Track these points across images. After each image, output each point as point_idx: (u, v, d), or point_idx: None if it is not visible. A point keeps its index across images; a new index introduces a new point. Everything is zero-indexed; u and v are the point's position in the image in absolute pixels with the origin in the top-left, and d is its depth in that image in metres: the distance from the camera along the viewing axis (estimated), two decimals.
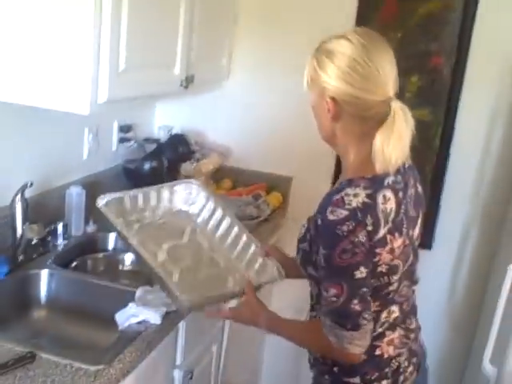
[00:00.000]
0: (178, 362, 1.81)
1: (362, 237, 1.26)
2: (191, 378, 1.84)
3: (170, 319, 1.65)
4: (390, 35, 2.49)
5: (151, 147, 2.50)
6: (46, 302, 1.85)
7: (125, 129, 2.50)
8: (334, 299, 1.29)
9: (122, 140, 2.51)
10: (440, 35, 2.45)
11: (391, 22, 2.49)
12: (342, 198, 1.28)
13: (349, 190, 1.29)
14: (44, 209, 2.05)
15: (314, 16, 2.57)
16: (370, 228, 1.27)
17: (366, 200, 1.28)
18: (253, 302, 1.53)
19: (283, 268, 1.66)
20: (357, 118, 1.35)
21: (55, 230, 2.03)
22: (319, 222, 1.29)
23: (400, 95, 2.46)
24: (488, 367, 1.84)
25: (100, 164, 2.44)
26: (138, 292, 1.70)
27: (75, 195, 2.11)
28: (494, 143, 2.46)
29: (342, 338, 1.31)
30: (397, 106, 1.31)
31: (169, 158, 2.43)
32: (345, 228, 1.25)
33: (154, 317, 1.59)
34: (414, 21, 2.48)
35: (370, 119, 1.33)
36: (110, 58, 1.72)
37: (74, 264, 2.01)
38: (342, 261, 1.26)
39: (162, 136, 2.65)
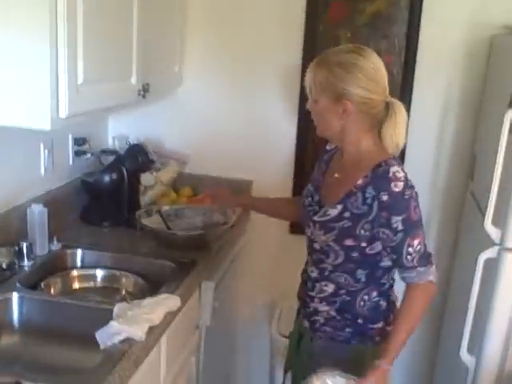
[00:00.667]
0: (162, 376, 1.79)
1: (415, 195, 1.64)
2: None
3: (153, 334, 1.63)
4: (339, 34, 2.54)
5: (108, 159, 2.45)
6: (18, 327, 1.79)
7: (80, 141, 2.44)
8: (419, 247, 1.64)
9: (77, 153, 2.45)
10: (388, 33, 2.51)
11: (340, 21, 2.53)
12: (394, 174, 1.61)
13: (392, 168, 1.61)
14: (6, 229, 1.99)
15: (262, 18, 2.59)
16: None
17: (404, 171, 1.64)
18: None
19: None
20: (366, 114, 1.65)
21: (20, 250, 1.97)
22: (385, 197, 1.60)
23: None
24: (465, 356, 1.88)
25: (58, 179, 2.38)
26: (116, 309, 1.67)
27: (37, 213, 2.04)
28: (448, 135, 2.54)
29: (431, 274, 1.66)
30: (396, 102, 1.66)
31: (129, 169, 2.38)
32: (408, 192, 1.61)
33: (138, 333, 1.56)
34: (362, 20, 2.53)
35: (375, 115, 1.66)
36: (68, 72, 1.69)
37: (43, 284, 1.94)
38: (416, 215, 1.62)
39: (118, 146, 2.61)
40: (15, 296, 1.79)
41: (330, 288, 1.76)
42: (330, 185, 1.77)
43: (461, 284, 2.10)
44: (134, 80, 2.12)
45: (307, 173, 2.59)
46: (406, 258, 1.64)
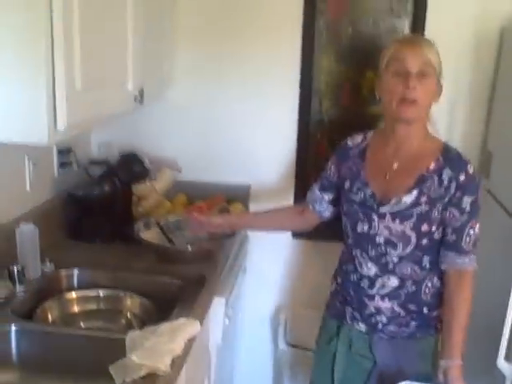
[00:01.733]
0: None
1: None
2: None
3: (175, 365, 1.46)
4: (340, 29, 2.40)
5: (95, 170, 2.26)
6: (16, 362, 1.60)
7: (64, 152, 2.25)
8: (477, 231, 1.70)
9: (62, 165, 2.26)
10: (393, 28, 2.38)
11: (342, 16, 2.39)
12: (466, 158, 1.72)
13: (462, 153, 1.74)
14: None
15: (258, 11, 2.44)
16: None
17: None
18: None
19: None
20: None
21: (11, 275, 1.77)
22: (462, 177, 1.67)
23: (356, 91, 2.42)
24: (503, 365, 1.79)
25: (43, 194, 2.18)
26: (130, 339, 1.50)
27: (28, 234, 1.85)
28: (457, 131, 2.42)
29: (475, 262, 1.72)
30: None
31: (122, 180, 2.20)
32: (477, 176, 1.72)
33: (161, 367, 1.39)
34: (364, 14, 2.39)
35: None
36: (66, 79, 1.52)
37: (39, 311, 1.75)
38: (480, 200, 1.71)
39: (105, 155, 2.41)
40: (11, 328, 1.60)
41: (394, 282, 1.75)
42: (386, 175, 1.75)
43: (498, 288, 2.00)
44: (130, 86, 1.96)
45: (309, 175, 2.48)
46: (466, 240, 1.69)
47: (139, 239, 2.06)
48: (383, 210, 1.73)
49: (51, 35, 1.46)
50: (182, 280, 1.92)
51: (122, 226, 2.24)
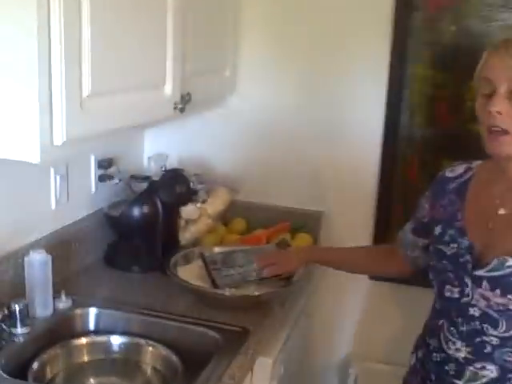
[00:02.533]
0: None
1: None
2: None
3: None
4: (441, 28, 1.94)
5: (140, 186, 1.93)
6: None
7: (105, 164, 1.94)
8: None
9: (101, 178, 1.95)
10: (506, 25, 1.89)
11: (444, 11, 1.93)
12: None
13: None
14: None
15: (337, 11, 2.03)
16: None
17: None
18: None
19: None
20: None
21: (12, 314, 1.47)
22: None
23: (457, 104, 1.96)
24: None
25: (75, 212, 1.88)
26: None
27: (38, 264, 1.54)
28: None
29: None
30: None
31: (164, 201, 1.86)
32: None
33: None
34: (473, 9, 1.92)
35: None
36: (67, 80, 1.18)
37: (37, 363, 1.41)
38: None
39: (154, 170, 2.08)
40: None
41: (493, 371, 1.28)
42: (489, 224, 1.31)
43: None
44: (168, 89, 1.60)
45: (394, 207, 2.05)
46: None
47: (175, 278, 1.70)
48: (479, 272, 1.28)
49: (48, 23, 1.13)
50: (221, 333, 1.54)
51: (164, 253, 1.90)
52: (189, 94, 1.70)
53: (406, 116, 2.02)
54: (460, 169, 1.43)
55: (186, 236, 2.02)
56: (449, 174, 1.44)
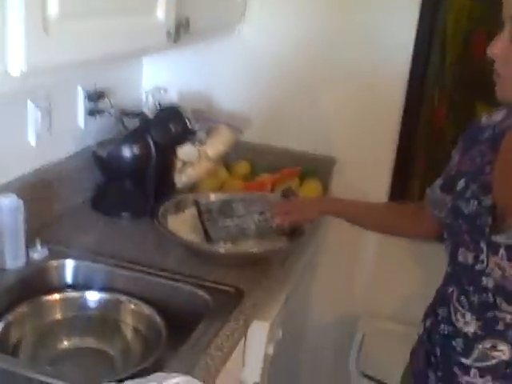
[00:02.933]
0: None
1: None
2: None
3: None
4: None
5: (133, 123, 1.74)
6: None
7: (94, 97, 1.74)
8: None
9: (91, 112, 1.75)
10: None
11: None
12: None
13: None
14: None
15: None
16: None
17: None
18: None
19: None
20: None
21: None
22: None
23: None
24: None
25: (58, 151, 1.69)
26: None
27: (7, 210, 1.36)
28: None
29: None
30: None
31: (157, 141, 1.66)
32: None
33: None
34: None
35: None
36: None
37: (4, 323, 1.26)
38: None
39: (151, 106, 1.88)
40: None
41: (505, 353, 1.12)
42: None
43: None
44: (160, 13, 1.37)
45: (417, 154, 1.83)
46: None
47: (163, 230, 1.52)
48: (497, 238, 1.08)
49: None
50: (212, 293, 1.37)
51: (158, 198, 1.72)
52: (187, 19, 1.48)
53: (437, 52, 1.78)
54: (499, 115, 1.21)
55: (182, 179, 1.83)
56: (484, 121, 1.23)
